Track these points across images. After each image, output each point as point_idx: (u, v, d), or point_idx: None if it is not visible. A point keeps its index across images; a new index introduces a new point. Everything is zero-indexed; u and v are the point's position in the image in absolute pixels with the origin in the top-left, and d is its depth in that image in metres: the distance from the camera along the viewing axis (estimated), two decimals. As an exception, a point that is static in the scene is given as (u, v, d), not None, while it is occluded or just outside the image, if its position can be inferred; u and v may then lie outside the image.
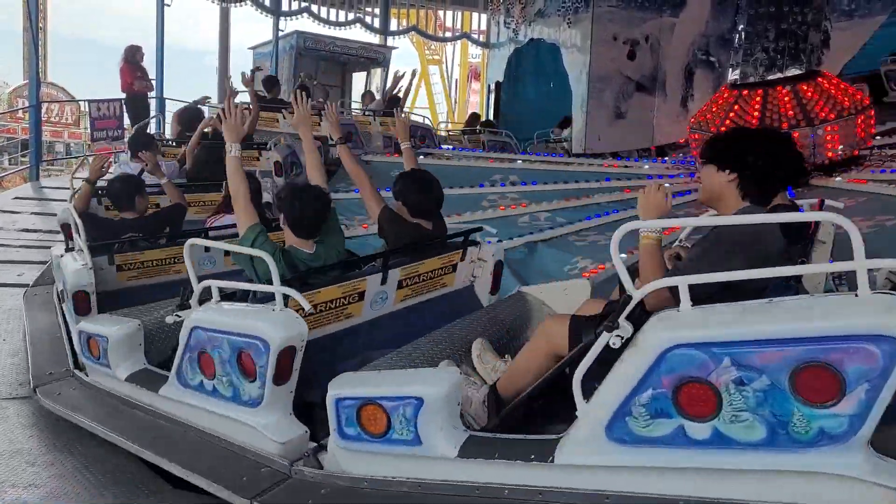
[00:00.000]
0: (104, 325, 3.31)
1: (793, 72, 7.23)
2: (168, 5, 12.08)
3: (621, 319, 1.88)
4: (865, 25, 10.31)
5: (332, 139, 4.06)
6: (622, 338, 1.87)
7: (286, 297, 2.54)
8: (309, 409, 2.66)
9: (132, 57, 9.80)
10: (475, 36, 19.05)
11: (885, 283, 2.77)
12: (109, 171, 5.61)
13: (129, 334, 3.21)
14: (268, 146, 8.17)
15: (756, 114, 7.19)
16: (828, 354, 1.65)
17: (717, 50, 12.09)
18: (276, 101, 9.89)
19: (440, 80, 29.93)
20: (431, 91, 29.74)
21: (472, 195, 7.53)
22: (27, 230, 7.12)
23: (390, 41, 16.43)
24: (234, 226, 3.55)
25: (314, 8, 14.99)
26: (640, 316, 1.90)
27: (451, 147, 11.53)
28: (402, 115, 4.32)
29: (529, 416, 2.38)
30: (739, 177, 2.22)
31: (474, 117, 14.42)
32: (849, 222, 1.66)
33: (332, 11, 15.36)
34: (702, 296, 1.85)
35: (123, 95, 10.46)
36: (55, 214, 7.29)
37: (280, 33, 14.18)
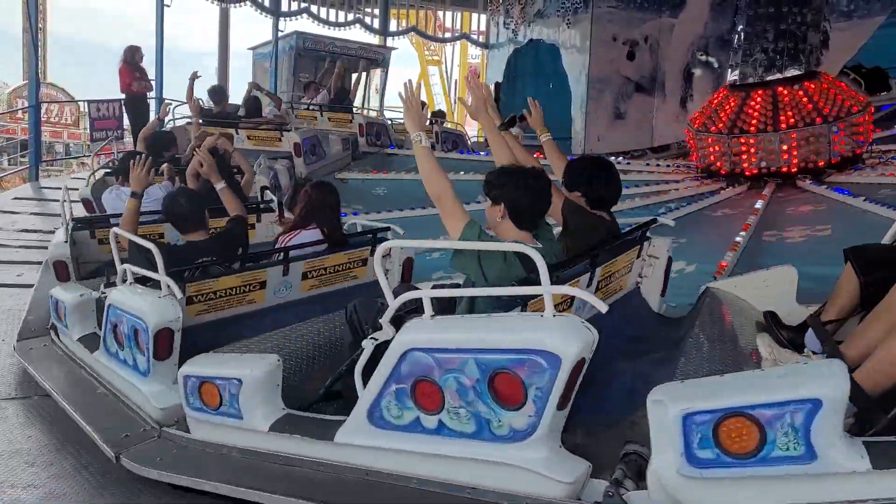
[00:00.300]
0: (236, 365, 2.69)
1: (792, 72, 7.24)
2: (168, 6, 12.10)
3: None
4: (864, 26, 10.33)
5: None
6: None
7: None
8: None
9: (131, 58, 9.79)
10: (475, 36, 19.06)
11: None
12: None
13: (269, 372, 2.60)
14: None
15: (755, 114, 7.19)
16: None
17: (717, 50, 12.10)
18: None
19: (440, 80, 29.96)
20: (431, 92, 29.76)
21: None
22: (26, 230, 7.13)
23: (390, 42, 16.45)
24: (316, 243, 3.62)
25: (314, 8, 15.02)
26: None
27: (486, 153, 11.37)
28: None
29: None
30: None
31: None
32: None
33: (332, 12, 15.39)
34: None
35: (123, 96, 10.46)
36: (54, 215, 7.30)
37: (280, 34, 14.20)
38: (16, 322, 4.42)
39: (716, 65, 12.18)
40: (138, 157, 3.99)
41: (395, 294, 2.33)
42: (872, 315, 2.40)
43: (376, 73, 15.98)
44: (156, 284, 3.03)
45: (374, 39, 16.26)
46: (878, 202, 5.64)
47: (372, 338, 2.25)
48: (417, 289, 2.59)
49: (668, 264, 3.35)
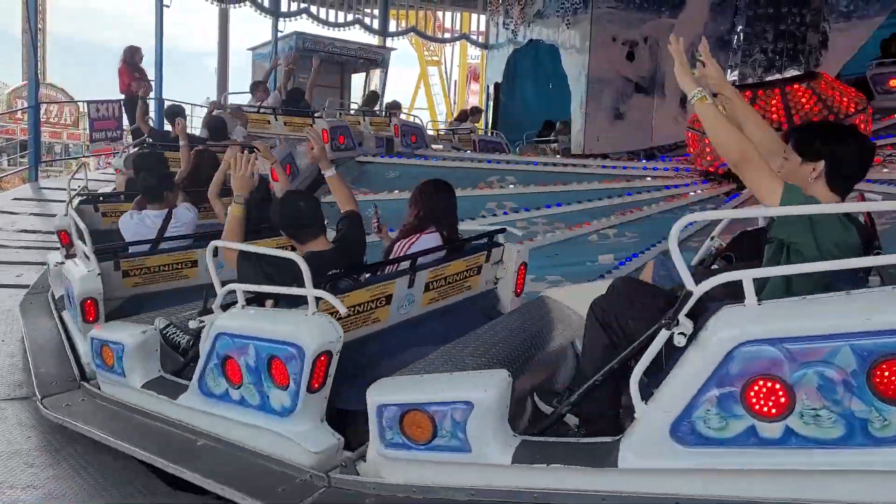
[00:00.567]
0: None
1: (791, 73, 7.24)
2: (167, 6, 12.09)
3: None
4: (864, 27, 10.33)
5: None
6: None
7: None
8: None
9: (131, 58, 9.79)
10: (474, 37, 19.06)
11: None
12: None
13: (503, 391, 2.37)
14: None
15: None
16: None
17: (716, 51, 12.03)
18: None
19: (439, 81, 29.95)
20: (430, 92, 29.77)
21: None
22: (26, 231, 7.12)
23: (389, 42, 16.45)
24: (438, 248, 3.22)
25: (313, 9, 15.01)
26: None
27: (442, 147, 10.95)
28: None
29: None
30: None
31: (464, 113, 13.35)
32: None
33: (332, 12, 15.37)
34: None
35: (122, 97, 10.46)
36: (54, 216, 7.30)
37: (279, 34, 14.19)
38: (16, 323, 4.42)
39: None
40: (243, 152, 3.39)
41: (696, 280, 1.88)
42: None
43: (376, 74, 15.98)
44: (293, 303, 2.56)
45: (374, 40, 16.27)
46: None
47: (680, 332, 1.84)
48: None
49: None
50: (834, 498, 1.72)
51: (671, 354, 1.93)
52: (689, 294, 1.85)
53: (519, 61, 14.19)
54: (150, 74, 10.99)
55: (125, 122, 10.69)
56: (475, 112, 13.26)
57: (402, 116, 11.36)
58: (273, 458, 2.46)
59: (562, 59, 12.47)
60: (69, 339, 3.85)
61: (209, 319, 2.69)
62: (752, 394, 1.74)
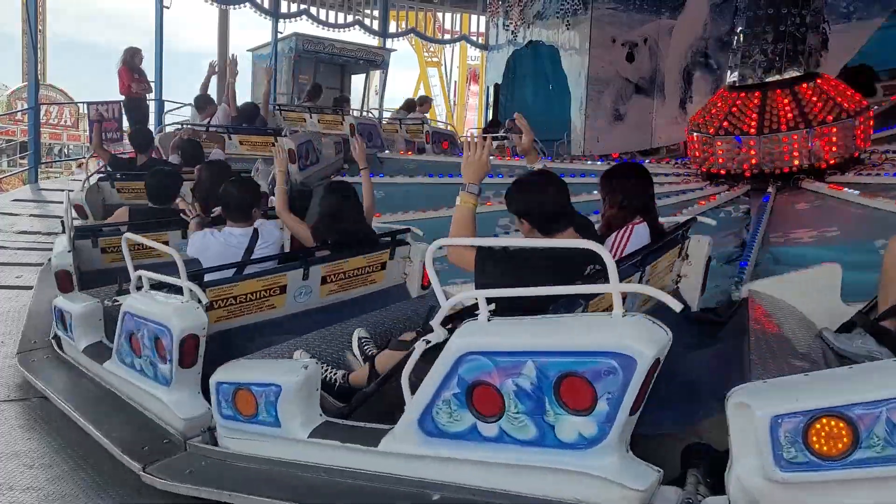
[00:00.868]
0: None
1: (791, 74, 7.23)
2: (167, 8, 12.10)
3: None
4: (864, 28, 10.33)
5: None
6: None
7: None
8: None
9: (131, 59, 9.79)
10: (474, 38, 19.06)
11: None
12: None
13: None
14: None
15: (754, 116, 7.19)
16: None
17: (716, 52, 12.10)
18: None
19: (439, 82, 29.96)
20: (430, 93, 29.77)
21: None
22: (26, 232, 7.12)
23: (389, 43, 16.46)
24: (652, 245, 2.90)
25: (313, 10, 15.01)
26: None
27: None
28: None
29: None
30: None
31: (411, 102, 12.61)
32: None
33: (331, 13, 15.38)
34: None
35: (122, 98, 10.46)
36: (54, 216, 7.30)
37: (279, 35, 14.20)
38: (15, 323, 4.42)
39: (715, 66, 12.19)
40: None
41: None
42: None
43: (375, 75, 15.99)
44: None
45: (374, 41, 16.28)
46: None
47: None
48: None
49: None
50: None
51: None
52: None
53: (519, 62, 14.18)
54: (150, 76, 11.00)
55: (125, 123, 10.70)
56: (423, 102, 13.00)
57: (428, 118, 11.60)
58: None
59: (561, 60, 12.48)
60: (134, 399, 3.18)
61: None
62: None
